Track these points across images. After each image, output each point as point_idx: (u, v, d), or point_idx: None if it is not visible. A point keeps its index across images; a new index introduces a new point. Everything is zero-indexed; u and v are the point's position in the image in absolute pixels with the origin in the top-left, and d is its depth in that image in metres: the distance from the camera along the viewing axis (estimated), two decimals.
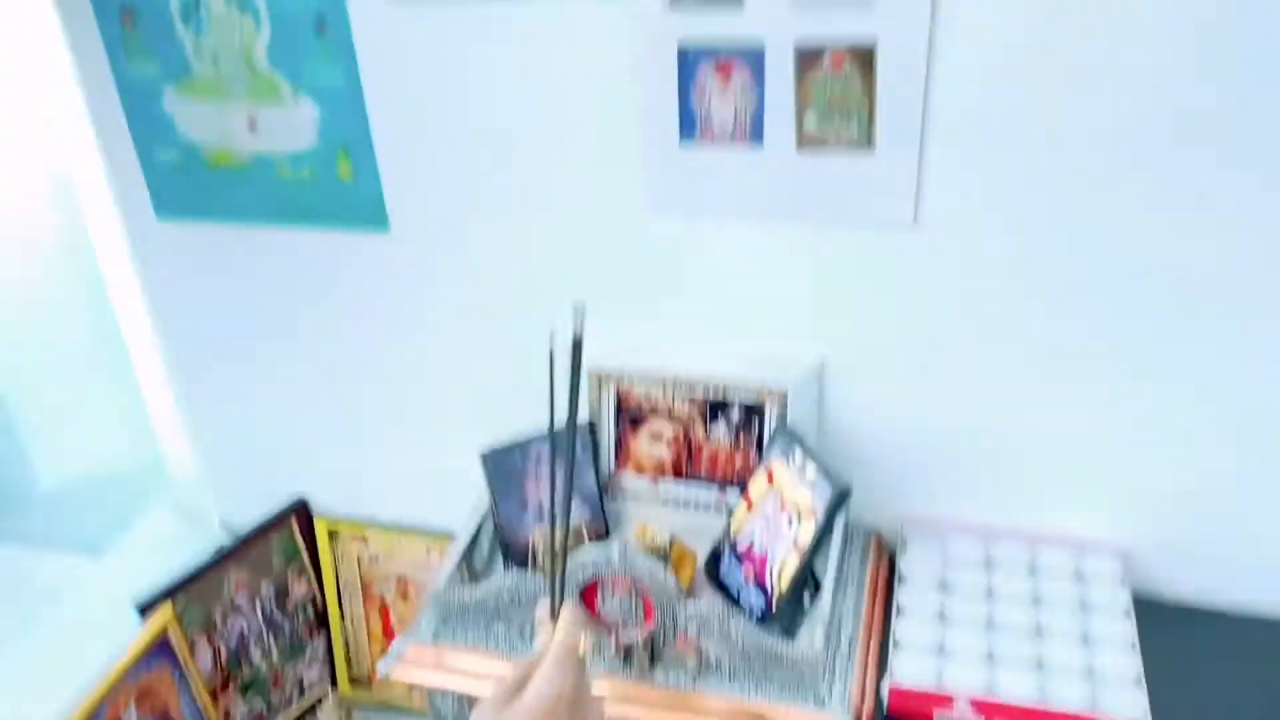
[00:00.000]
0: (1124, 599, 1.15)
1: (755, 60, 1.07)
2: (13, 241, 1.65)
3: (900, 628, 1.14)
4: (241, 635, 1.51)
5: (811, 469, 1.12)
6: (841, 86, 1.06)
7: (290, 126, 1.24)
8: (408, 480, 1.51)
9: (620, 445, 1.31)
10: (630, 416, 1.29)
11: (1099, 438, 1.17)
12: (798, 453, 1.15)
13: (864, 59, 1.04)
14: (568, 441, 0.95)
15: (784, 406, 1.21)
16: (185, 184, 1.32)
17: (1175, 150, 1.00)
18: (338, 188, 1.27)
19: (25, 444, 1.77)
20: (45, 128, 1.48)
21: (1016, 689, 1.06)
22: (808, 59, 1.05)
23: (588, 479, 1.29)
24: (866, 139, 1.07)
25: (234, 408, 1.53)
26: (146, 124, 1.29)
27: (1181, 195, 1.02)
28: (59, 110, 1.40)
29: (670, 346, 1.26)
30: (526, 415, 1.33)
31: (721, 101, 1.10)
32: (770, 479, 1.18)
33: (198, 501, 1.68)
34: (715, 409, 1.25)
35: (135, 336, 1.61)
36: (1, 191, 1.61)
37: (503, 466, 1.27)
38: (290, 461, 1.56)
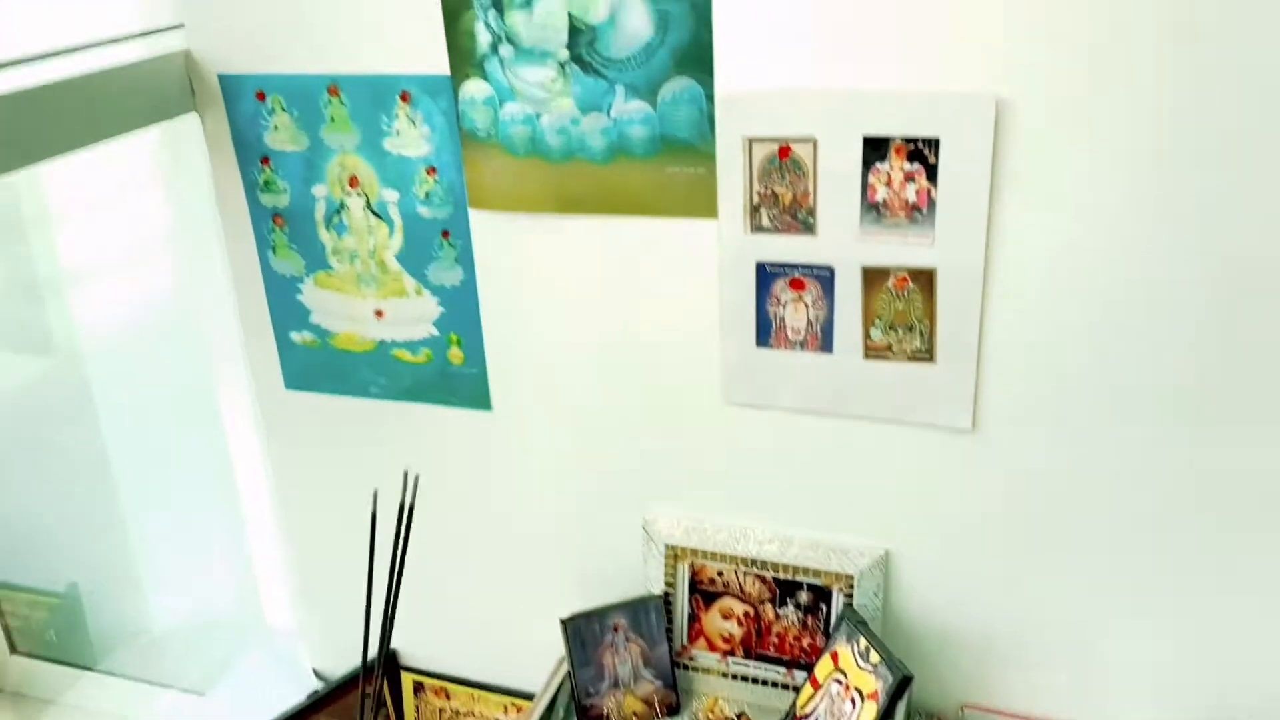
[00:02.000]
0: None
1: (826, 277, 1.20)
2: (150, 396, 1.83)
3: None
4: None
5: (875, 654, 1.19)
6: (905, 304, 1.17)
7: (412, 317, 1.40)
8: (492, 640, 1.60)
9: (693, 620, 1.39)
10: (703, 593, 1.37)
11: (1156, 635, 1.21)
12: (861, 638, 1.22)
13: (925, 280, 1.16)
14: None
15: (850, 592, 1.29)
16: (314, 361, 1.49)
17: (1213, 373, 1.08)
18: (448, 371, 1.41)
19: (144, 585, 1.91)
20: (195, 300, 1.67)
21: None
22: (874, 277, 1.18)
23: (661, 652, 1.36)
24: (928, 351, 1.18)
25: (334, 563, 1.65)
26: (285, 310, 1.47)
27: (1227, 414, 1.10)
28: (211, 291, 1.60)
29: (744, 528, 1.35)
30: (608, 587, 1.43)
31: (795, 311, 1.23)
32: (835, 661, 1.24)
33: (293, 649, 1.79)
34: (785, 590, 1.33)
35: (250, 493, 1.76)
36: (145, 351, 1.80)
37: (581, 634, 1.36)
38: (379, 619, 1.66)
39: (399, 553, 1.30)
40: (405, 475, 1.33)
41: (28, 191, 1.67)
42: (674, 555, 1.37)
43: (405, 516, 1.30)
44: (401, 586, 1.42)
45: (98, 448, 1.85)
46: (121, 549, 1.90)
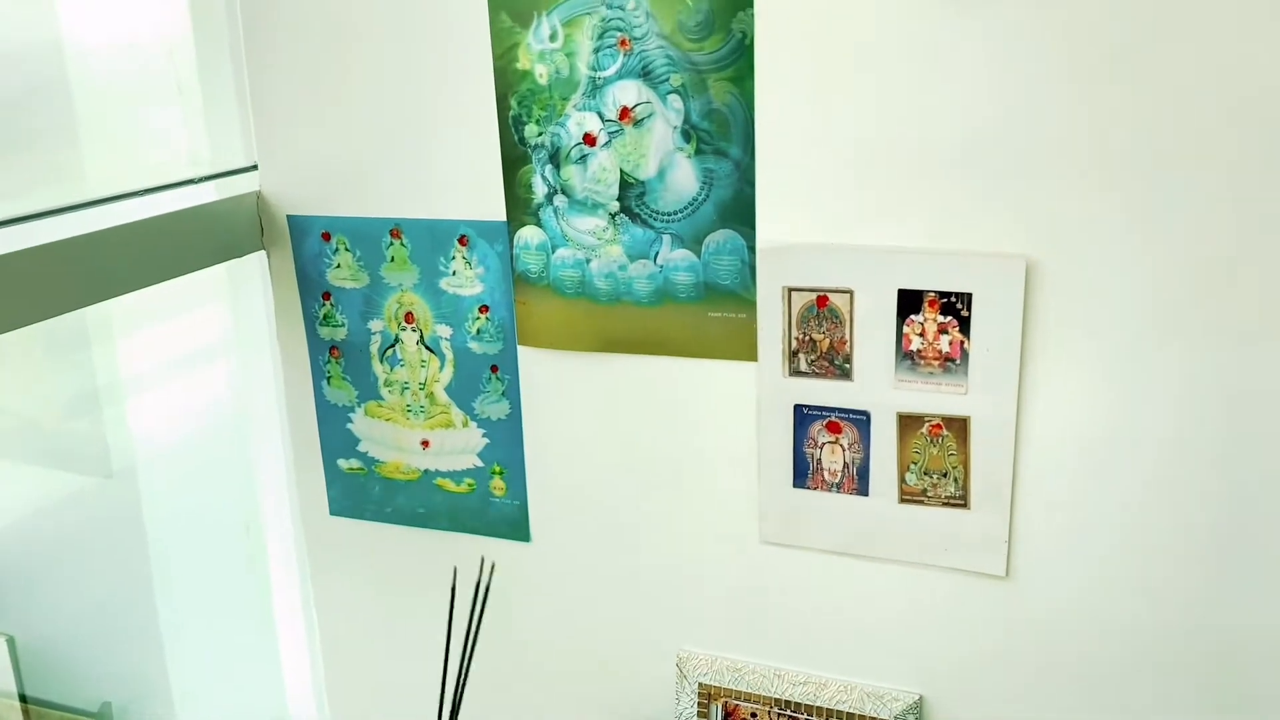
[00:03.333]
0: None
1: (863, 421, 1.23)
2: (195, 517, 1.88)
3: None
4: None
5: None
6: (939, 450, 1.20)
7: (458, 448, 1.44)
8: None
9: None
10: None
11: None
12: None
13: (959, 427, 1.19)
14: None
15: None
16: (359, 489, 1.53)
17: (1267, 512, 1.10)
18: (490, 502, 1.45)
19: (178, 706, 1.92)
20: (249, 424, 1.73)
21: None
22: (909, 423, 1.21)
23: None
24: (962, 497, 1.21)
25: (372, 692, 1.66)
26: (336, 438, 1.52)
27: (1270, 559, 1.11)
28: (265, 416, 1.66)
29: (777, 669, 1.35)
30: None
31: (831, 453, 1.26)
32: None
33: None
34: None
35: (287, 617, 1.78)
36: (194, 473, 1.85)
37: None
38: None
39: (471, 640, 1.37)
40: (482, 561, 1.41)
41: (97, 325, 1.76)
42: (707, 694, 1.37)
43: (482, 597, 1.37)
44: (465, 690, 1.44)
45: (142, 565, 1.88)
46: (158, 667, 1.91)
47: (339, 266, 1.44)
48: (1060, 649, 1.21)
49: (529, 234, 1.31)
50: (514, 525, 1.45)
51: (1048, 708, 1.23)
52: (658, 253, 1.25)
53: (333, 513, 1.58)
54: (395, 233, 1.39)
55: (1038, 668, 1.23)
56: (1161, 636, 1.17)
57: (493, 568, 1.39)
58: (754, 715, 1.35)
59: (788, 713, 1.33)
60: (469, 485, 1.46)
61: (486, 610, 1.51)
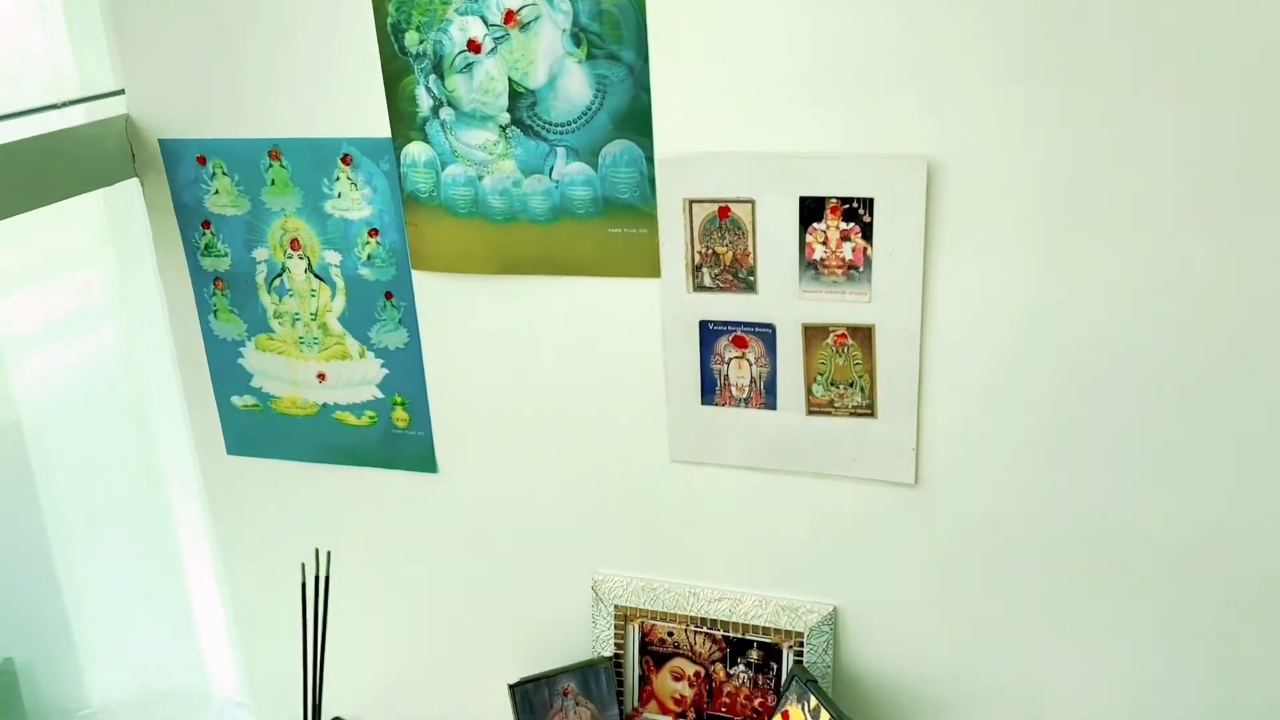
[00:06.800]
0: None
1: (768, 335, 1.21)
2: (88, 463, 1.80)
3: None
4: None
5: (825, 715, 1.18)
6: (845, 360, 1.19)
7: (356, 380, 1.38)
8: (440, 707, 1.56)
9: (644, 682, 1.37)
10: (654, 654, 1.36)
11: (1105, 690, 1.22)
12: (812, 697, 1.21)
13: (864, 336, 1.17)
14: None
15: (800, 649, 1.28)
16: (256, 426, 1.47)
17: (1165, 417, 1.10)
18: (393, 434, 1.40)
19: (84, 659, 1.85)
20: (137, 365, 1.65)
21: None
22: (814, 334, 1.19)
23: (611, 715, 1.34)
24: (869, 407, 1.19)
25: (280, 630, 1.61)
26: (227, 374, 1.45)
27: (1166, 460, 1.11)
28: (149, 355, 1.58)
29: (693, 587, 1.34)
30: (557, 651, 1.41)
31: (738, 368, 1.23)
32: None
33: (241, 718, 1.74)
34: (735, 650, 1.32)
35: (193, 559, 1.72)
36: (83, 417, 1.76)
37: (530, 699, 1.33)
38: (330, 684, 1.62)
39: (319, 626, 1.37)
40: (316, 552, 1.38)
41: None
42: (623, 616, 1.36)
43: (322, 589, 1.36)
44: (329, 657, 1.42)
45: (35, 516, 1.80)
46: (59, 622, 1.84)
47: (217, 192, 1.35)
48: (968, 553, 1.22)
49: (416, 150, 1.24)
50: (419, 457, 1.41)
51: (964, 611, 1.24)
52: (552, 167, 1.20)
53: (230, 452, 1.51)
54: (274, 154, 1.31)
55: (946, 572, 1.23)
56: (1065, 538, 1.17)
57: (329, 557, 1.38)
58: (670, 634, 1.35)
59: (704, 630, 1.33)
60: (370, 418, 1.41)
61: (394, 543, 1.47)
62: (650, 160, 1.17)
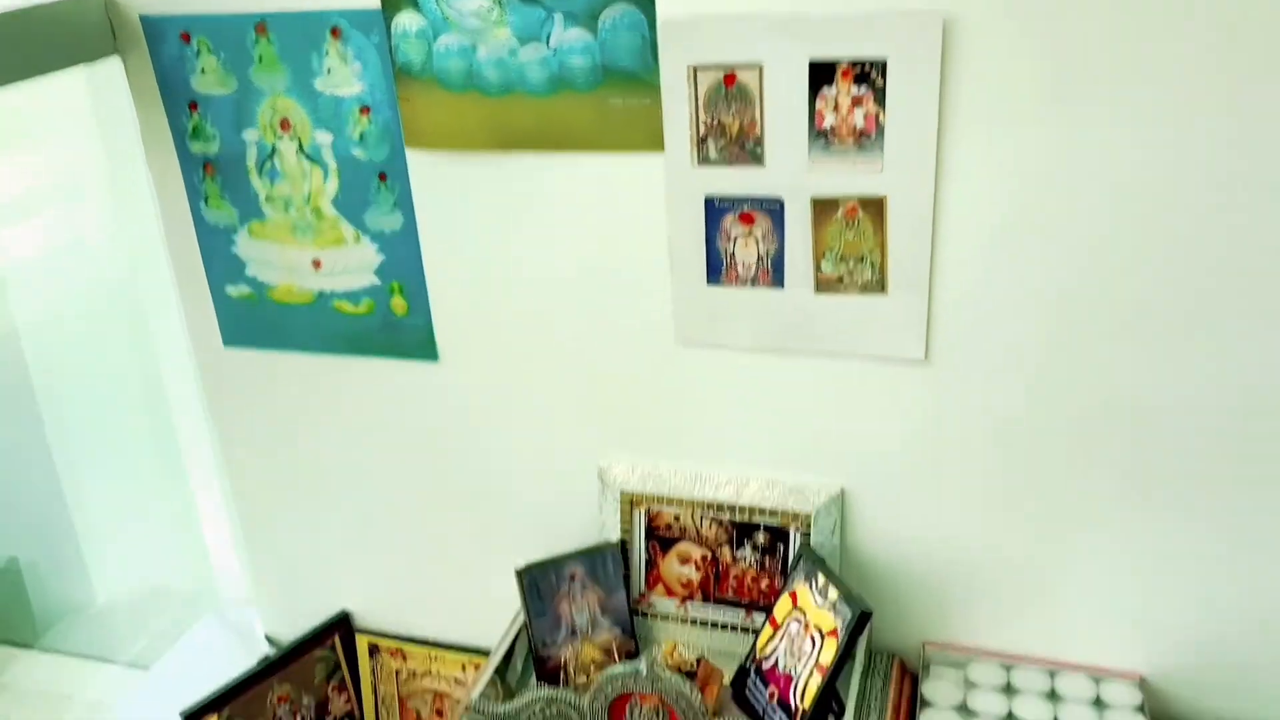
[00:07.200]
0: None
1: (776, 210, 1.17)
2: (85, 361, 1.77)
3: None
4: None
5: (833, 592, 1.17)
6: (855, 234, 1.15)
7: (352, 266, 1.35)
8: (448, 598, 1.57)
9: (651, 566, 1.37)
10: (660, 539, 1.35)
11: (1115, 566, 1.21)
12: (820, 576, 1.20)
13: (875, 209, 1.13)
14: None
15: (807, 531, 1.27)
16: (252, 317, 1.44)
17: (1178, 291, 1.07)
18: (392, 322, 1.37)
19: (88, 558, 1.86)
20: (127, 255, 1.61)
21: None
22: (823, 208, 1.15)
23: (619, 599, 1.34)
24: (880, 282, 1.16)
25: (284, 526, 1.61)
26: (220, 263, 1.42)
27: (1179, 335, 1.09)
28: (140, 246, 1.54)
29: (699, 472, 1.33)
30: (564, 536, 1.41)
31: (745, 246, 1.20)
32: (794, 601, 1.23)
33: (244, 616, 1.74)
34: (742, 532, 1.31)
35: (194, 456, 1.71)
36: (77, 316, 1.74)
37: (537, 584, 1.33)
38: (335, 578, 1.62)
39: None
40: None
41: None
42: (630, 501, 1.35)
43: None
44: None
45: (33, 417, 1.79)
46: (63, 521, 1.84)
47: (203, 71, 1.30)
48: (984, 431, 1.20)
49: (407, 20, 1.18)
50: (419, 345, 1.38)
51: (973, 491, 1.23)
52: (550, 33, 1.15)
53: (226, 344, 1.49)
54: (260, 28, 1.25)
55: (962, 451, 1.21)
56: (1075, 413, 1.15)
57: None
58: (677, 518, 1.34)
59: (711, 514, 1.32)
60: (368, 306, 1.37)
61: (397, 433, 1.46)
62: (652, 24, 1.11)
